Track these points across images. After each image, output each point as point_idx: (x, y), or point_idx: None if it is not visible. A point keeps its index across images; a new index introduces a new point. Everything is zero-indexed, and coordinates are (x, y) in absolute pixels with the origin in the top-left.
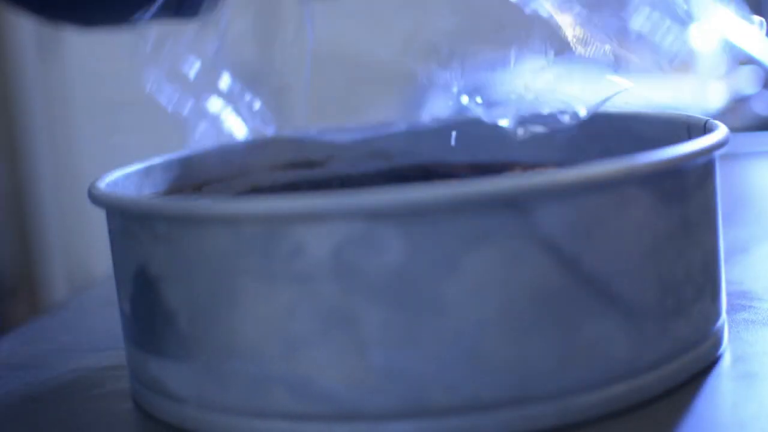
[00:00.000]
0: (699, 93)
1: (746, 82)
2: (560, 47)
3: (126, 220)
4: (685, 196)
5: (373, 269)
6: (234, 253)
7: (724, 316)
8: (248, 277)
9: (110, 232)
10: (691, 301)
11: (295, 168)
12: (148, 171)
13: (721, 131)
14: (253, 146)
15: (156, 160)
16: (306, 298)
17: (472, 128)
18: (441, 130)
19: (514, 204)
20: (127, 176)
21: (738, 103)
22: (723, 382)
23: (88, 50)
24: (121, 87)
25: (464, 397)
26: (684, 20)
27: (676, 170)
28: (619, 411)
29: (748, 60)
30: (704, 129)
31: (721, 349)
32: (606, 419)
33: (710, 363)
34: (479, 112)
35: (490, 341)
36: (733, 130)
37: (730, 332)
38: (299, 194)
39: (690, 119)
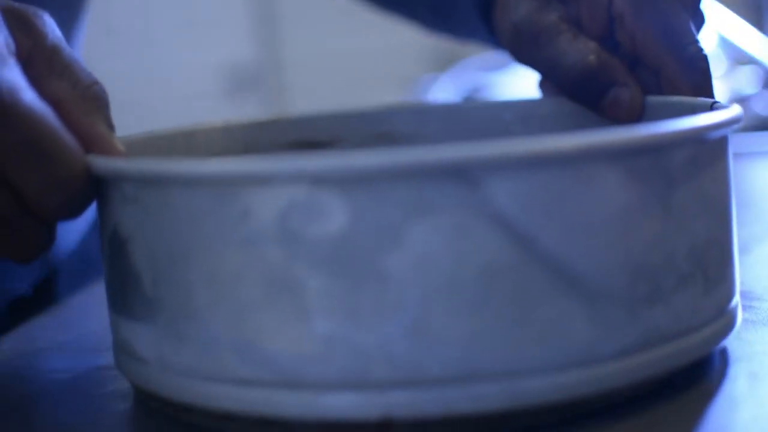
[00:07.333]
0: None
1: (746, 82)
2: None
3: (101, 183)
4: (669, 178)
5: (316, 235)
6: (190, 216)
7: (728, 312)
8: (202, 241)
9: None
10: (672, 289)
11: (300, 148)
12: (149, 141)
13: (718, 114)
14: (259, 124)
15: (159, 132)
16: (252, 263)
17: (476, 111)
18: (446, 112)
19: (462, 175)
20: (129, 145)
21: (738, 103)
22: (723, 382)
23: (88, 50)
24: (121, 86)
25: (406, 371)
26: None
27: (655, 149)
28: (612, 406)
29: (748, 60)
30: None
31: (716, 347)
32: (602, 416)
33: (698, 358)
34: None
35: (434, 315)
36: (734, 130)
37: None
38: (249, 157)
39: (696, 102)
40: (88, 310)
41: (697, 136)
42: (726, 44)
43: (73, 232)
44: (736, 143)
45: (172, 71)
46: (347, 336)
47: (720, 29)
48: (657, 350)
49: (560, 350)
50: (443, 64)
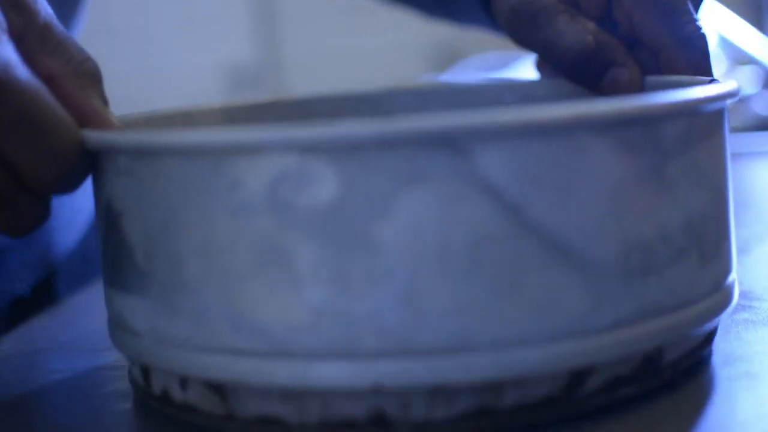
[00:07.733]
0: None
1: (746, 82)
2: None
3: (96, 157)
4: (662, 150)
5: (307, 205)
6: (182, 187)
7: (724, 287)
8: (194, 211)
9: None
10: (666, 262)
11: None
12: (147, 121)
13: (712, 87)
14: (258, 106)
15: (158, 111)
16: (243, 233)
17: (477, 92)
18: (447, 93)
19: (452, 144)
20: (128, 124)
21: (738, 103)
22: (723, 382)
23: (88, 49)
24: (122, 86)
25: (396, 341)
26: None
27: (645, 121)
28: (612, 406)
29: (748, 60)
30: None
31: (712, 324)
32: (603, 416)
33: (695, 338)
34: None
35: (424, 285)
36: (733, 130)
37: (730, 332)
38: (239, 127)
39: (694, 81)
40: (88, 310)
41: (689, 109)
42: (726, 44)
43: (73, 232)
44: (736, 143)
45: (172, 71)
46: (338, 305)
47: (720, 29)
48: (652, 323)
49: (553, 321)
50: (444, 63)
